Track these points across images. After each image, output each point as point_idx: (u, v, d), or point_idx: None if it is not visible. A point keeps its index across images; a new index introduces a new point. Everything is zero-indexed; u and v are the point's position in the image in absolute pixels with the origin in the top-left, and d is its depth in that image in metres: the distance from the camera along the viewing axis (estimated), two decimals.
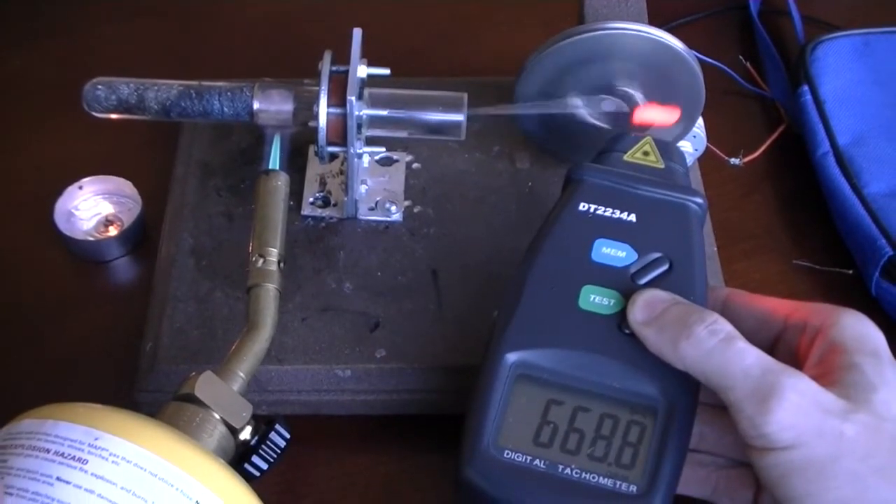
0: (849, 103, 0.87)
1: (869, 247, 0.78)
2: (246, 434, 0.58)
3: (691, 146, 0.79)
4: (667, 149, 0.68)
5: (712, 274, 0.74)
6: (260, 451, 0.58)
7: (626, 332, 0.60)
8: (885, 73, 0.89)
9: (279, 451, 0.59)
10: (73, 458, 0.48)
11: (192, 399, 0.57)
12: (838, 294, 0.80)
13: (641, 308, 0.59)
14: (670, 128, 0.75)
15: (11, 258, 0.81)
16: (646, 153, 0.67)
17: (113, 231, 0.81)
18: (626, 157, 0.67)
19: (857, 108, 0.86)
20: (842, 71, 0.89)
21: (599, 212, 0.64)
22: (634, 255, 0.62)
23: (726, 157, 0.84)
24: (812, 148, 0.85)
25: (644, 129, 0.73)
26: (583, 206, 0.64)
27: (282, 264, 0.65)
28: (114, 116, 0.72)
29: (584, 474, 0.58)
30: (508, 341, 0.61)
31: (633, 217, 0.64)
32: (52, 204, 0.80)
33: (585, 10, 0.77)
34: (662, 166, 0.67)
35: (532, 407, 0.60)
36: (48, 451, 0.48)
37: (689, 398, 0.59)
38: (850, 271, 0.80)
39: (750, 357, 0.55)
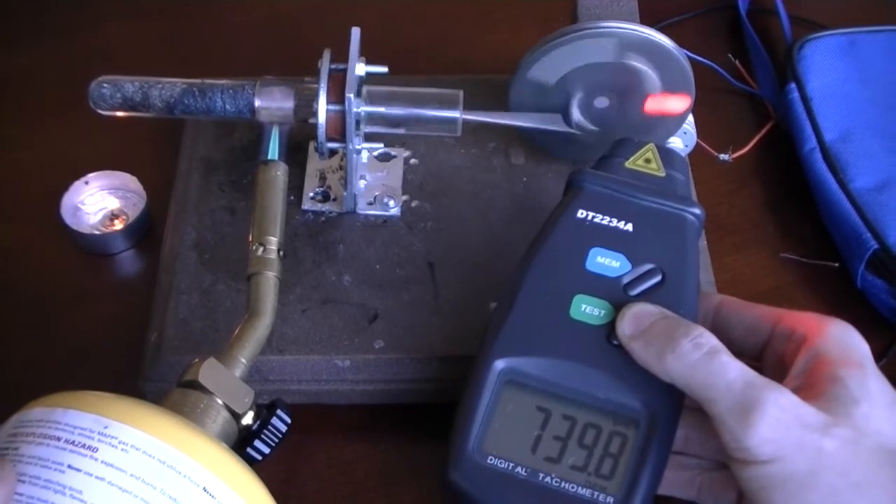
0: (835, 100, 0.87)
1: (854, 240, 0.78)
2: (248, 419, 0.58)
3: (681, 142, 0.79)
4: (668, 156, 0.67)
5: (702, 267, 0.74)
6: (262, 435, 0.59)
7: (615, 343, 0.60)
8: (870, 72, 0.89)
9: (281, 436, 0.59)
10: (84, 445, 0.48)
11: (195, 385, 0.57)
12: (824, 286, 0.80)
13: (630, 321, 0.59)
14: (662, 123, 0.76)
15: (19, 251, 0.81)
16: (647, 160, 0.67)
17: (118, 225, 0.81)
18: (627, 164, 0.67)
19: (843, 105, 0.87)
20: (828, 69, 0.89)
21: (597, 220, 0.64)
22: (628, 266, 0.62)
23: (716, 153, 0.84)
24: (799, 144, 0.85)
25: (651, 118, 0.74)
26: (581, 214, 0.64)
27: (281, 252, 0.65)
28: (119, 114, 0.72)
29: (563, 483, 0.58)
30: (498, 348, 0.61)
31: (629, 226, 0.64)
32: (59, 199, 0.80)
33: (579, 10, 0.77)
34: (663, 174, 0.66)
35: (518, 414, 0.60)
36: (59, 438, 0.48)
37: (671, 413, 0.59)
38: (836, 264, 0.81)
39: (733, 371, 0.55)
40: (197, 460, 0.49)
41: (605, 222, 0.64)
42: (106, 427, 0.49)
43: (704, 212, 0.65)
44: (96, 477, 0.47)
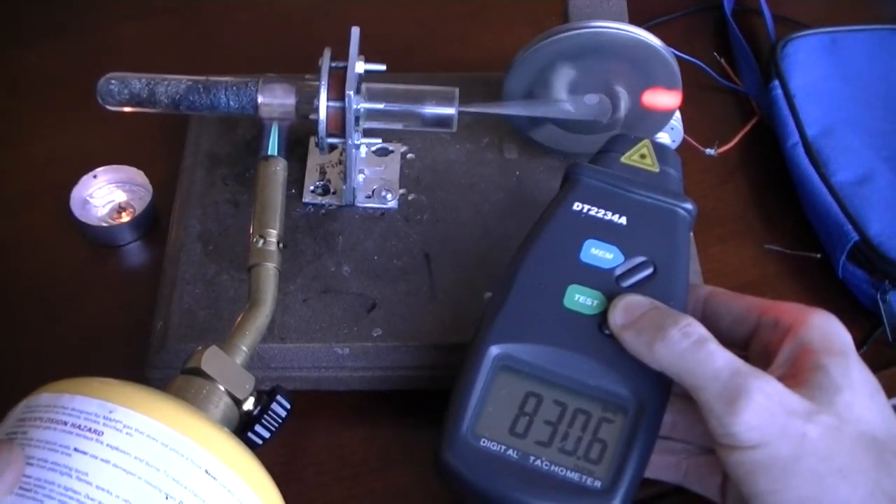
0: (817, 97, 0.87)
1: (836, 232, 0.78)
2: (249, 405, 0.58)
3: (669, 137, 0.79)
4: (663, 152, 0.67)
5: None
6: (262, 420, 0.58)
7: (606, 332, 0.60)
8: (851, 69, 0.89)
9: (280, 421, 0.59)
10: (90, 429, 0.48)
11: (198, 372, 0.57)
12: (807, 277, 0.80)
13: (621, 312, 0.59)
14: (650, 119, 0.76)
15: (30, 243, 0.81)
16: (642, 156, 0.67)
17: (125, 217, 0.81)
18: (622, 159, 0.67)
19: (824, 102, 0.87)
20: (811, 67, 0.89)
21: (592, 212, 0.64)
22: (621, 258, 0.62)
23: (702, 148, 0.84)
24: (783, 139, 0.85)
25: (640, 114, 0.74)
26: (577, 206, 0.64)
27: (281, 245, 0.65)
28: (126, 109, 0.72)
29: (553, 467, 0.58)
30: (493, 334, 0.61)
31: (623, 220, 0.64)
32: (69, 192, 0.80)
33: (570, 10, 0.77)
34: (657, 170, 0.66)
35: (510, 398, 0.60)
36: (66, 423, 0.48)
37: (659, 401, 0.59)
38: (819, 255, 0.80)
39: (720, 359, 0.55)
40: (199, 444, 0.49)
41: (599, 215, 0.64)
42: (111, 412, 0.49)
43: (696, 207, 0.65)
44: (102, 459, 0.47)
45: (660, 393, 0.59)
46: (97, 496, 0.46)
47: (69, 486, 0.46)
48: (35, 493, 0.46)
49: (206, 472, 0.49)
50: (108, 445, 0.47)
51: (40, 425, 0.49)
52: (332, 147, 0.73)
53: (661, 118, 0.77)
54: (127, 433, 0.48)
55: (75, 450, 0.47)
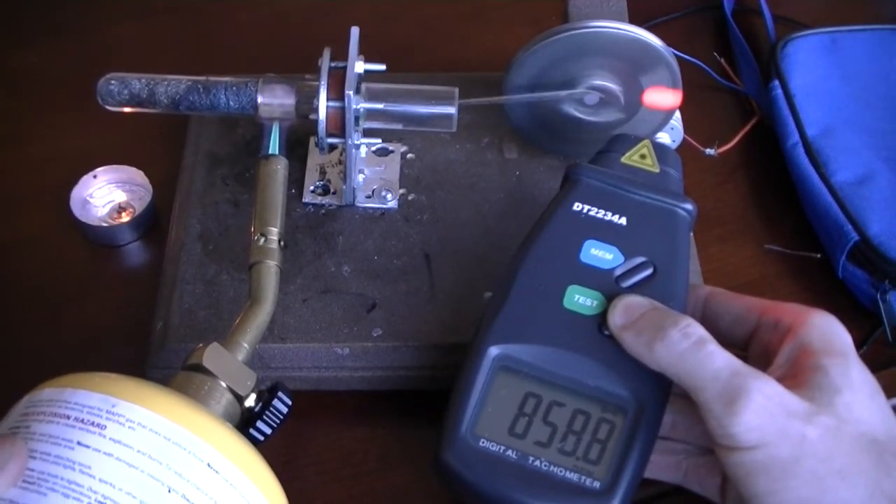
0: (817, 97, 0.87)
1: (836, 232, 0.78)
2: (250, 401, 0.59)
3: (669, 137, 0.79)
4: (663, 152, 0.68)
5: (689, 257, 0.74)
6: (264, 416, 0.59)
7: (606, 333, 0.60)
8: (851, 69, 0.90)
9: (282, 417, 0.59)
10: (93, 423, 0.48)
11: (200, 369, 0.57)
12: (807, 277, 0.81)
13: (621, 313, 0.59)
14: (650, 119, 0.76)
15: (31, 243, 0.81)
16: (643, 156, 0.67)
17: (125, 217, 0.81)
18: (623, 160, 0.67)
19: (824, 102, 0.87)
20: (810, 67, 0.89)
21: (592, 213, 0.64)
22: (621, 258, 0.62)
23: (702, 148, 0.84)
24: (783, 139, 0.85)
25: (640, 114, 0.75)
26: (577, 206, 0.64)
27: (282, 243, 0.66)
28: (126, 110, 0.72)
29: (552, 467, 0.58)
30: (493, 334, 0.61)
31: (623, 220, 0.64)
32: (69, 192, 0.81)
33: (570, 10, 0.77)
34: (657, 170, 0.66)
35: (510, 399, 0.60)
36: (68, 417, 0.49)
37: (658, 402, 0.59)
38: (819, 255, 0.81)
39: (720, 360, 0.55)
40: (201, 437, 0.49)
41: (599, 215, 0.64)
42: (114, 406, 0.49)
43: (697, 207, 0.65)
44: (104, 453, 0.47)
45: (659, 393, 0.59)
46: (100, 489, 0.46)
47: (72, 479, 0.46)
48: (38, 487, 0.46)
49: (209, 465, 0.49)
50: (110, 439, 0.48)
51: (43, 419, 0.49)
52: (332, 147, 0.73)
53: (661, 118, 0.77)
54: (129, 427, 0.48)
55: (78, 443, 0.48)
